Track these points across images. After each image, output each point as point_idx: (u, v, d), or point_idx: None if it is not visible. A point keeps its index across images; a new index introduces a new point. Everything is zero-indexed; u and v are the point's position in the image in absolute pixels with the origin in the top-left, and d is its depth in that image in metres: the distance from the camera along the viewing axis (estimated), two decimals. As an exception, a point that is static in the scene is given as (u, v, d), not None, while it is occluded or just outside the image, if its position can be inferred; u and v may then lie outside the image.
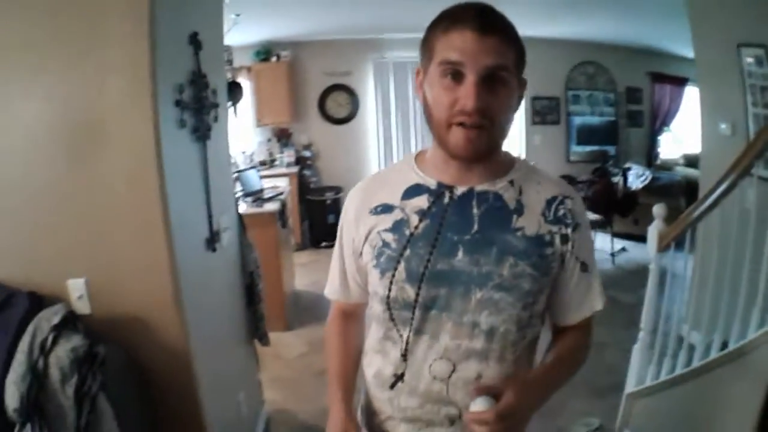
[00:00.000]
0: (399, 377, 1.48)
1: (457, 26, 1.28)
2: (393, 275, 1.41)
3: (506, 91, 1.31)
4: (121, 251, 2.30)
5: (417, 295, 1.40)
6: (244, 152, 8.85)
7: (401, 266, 1.41)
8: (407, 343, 1.45)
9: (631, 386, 3.77)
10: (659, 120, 9.95)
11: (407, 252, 1.41)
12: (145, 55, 2.15)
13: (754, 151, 2.88)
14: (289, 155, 9.00)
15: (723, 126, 4.65)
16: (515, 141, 9.96)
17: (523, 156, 9.57)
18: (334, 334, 1.69)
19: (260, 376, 4.06)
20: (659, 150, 10.15)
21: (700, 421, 3.20)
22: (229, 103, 6.26)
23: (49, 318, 2.08)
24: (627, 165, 8.81)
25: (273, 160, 9.02)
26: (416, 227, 1.41)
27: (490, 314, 1.39)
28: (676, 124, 10.05)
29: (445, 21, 1.31)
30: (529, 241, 1.39)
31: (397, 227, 1.44)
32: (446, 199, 1.42)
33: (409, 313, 1.42)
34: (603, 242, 7.96)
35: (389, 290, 1.43)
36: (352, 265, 1.59)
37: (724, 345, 2.98)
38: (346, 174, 9.25)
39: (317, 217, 8.83)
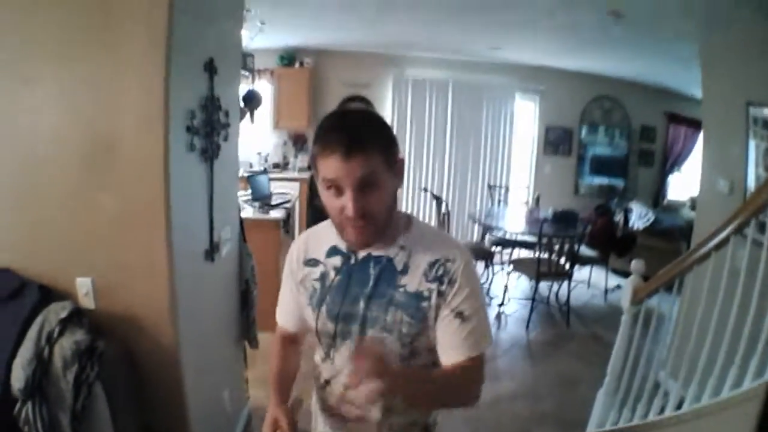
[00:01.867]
0: (327, 382, 1.89)
1: (327, 153, 1.57)
2: (318, 314, 1.83)
3: (379, 191, 1.63)
4: (126, 256, 2.57)
5: (335, 328, 1.81)
6: (259, 153, 9.10)
7: (324, 308, 1.82)
8: (333, 359, 1.85)
9: (592, 426, 3.95)
10: (671, 160, 10.02)
11: (327, 298, 1.82)
12: (161, 83, 2.40)
13: (750, 209, 2.92)
14: (302, 160, 9.20)
15: (721, 182, 4.67)
16: (525, 169, 10.10)
17: (532, 184, 9.86)
18: (275, 354, 2.07)
19: (247, 375, 4.30)
20: (667, 191, 10.23)
21: None
22: (246, 111, 6.54)
23: (57, 312, 2.36)
24: (630, 206, 8.94)
25: (286, 164, 9.26)
26: (333, 280, 1.83)
27: (378, 347, 1.69)
28: (686, 166, 10.07)
29: (320, 146, 1.61)
30: (409, 296, 1.73)
31: (321, 278, 1.86)
32: (352, 261, 1.82)
33: (330, 340, 1.83)
34: (598, 278, 8.10)
35: (316, 324, 1.84)
36: (288, 298, 2.00)
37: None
38: (357, 184, 9.44)
39: (320, 221, 8.90)
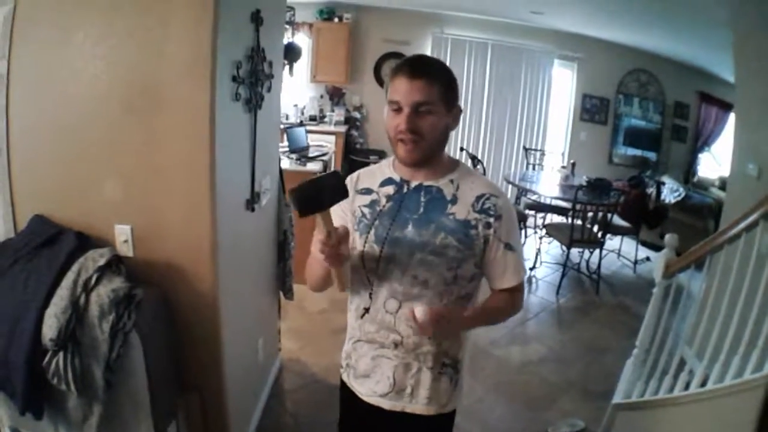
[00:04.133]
0: (366, 310, 2.07)
1: (395, 74, 1.88)
2: (366, 237, 2.01)
3: (431, 118, 1.87)
4: (167, 204, 2.56)
5: (380, 252, 1.99)
6: (296, 106, 9.08)
7: (372, 232, 2.00)
8: (372, 285, 2.04)
9: (618, 397, 3.93)
10: (702, 139, 9.94)
11: (377, 222, 2.01)
12: (208, 33, 2.37)
13: None
14: (339, 114, 9.20)
15: (750, 167, 4.68)
16: (561, 135, 10.06)
17: (567, 151, 9.80)
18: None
19: (280, 325, 4.35)
20: (698, 168, 10.16)
21: None
22: (285, 63, 6.52)
23: (95, 258, 2.33)
24: (663, 179, 8.86)
25: (323, 117, 9.25)
26: (383, 206, 2.02)
27: (425, 270, 1.96)
28: (717, 146, 9.99)
29: (392, 70, 1.91)
30: (458, 223, 1.95)
31: (371, 205, 2.04)
32: (404, 189, 2.02)
33: (374, 264, 2.00)
34: (628, 249, 8.05)
35: (364, 247, 2.01)
36: (345, 214, 2.10)
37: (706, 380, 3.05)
38: (390, 138, 9.45)
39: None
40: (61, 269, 2.29)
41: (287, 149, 6.36)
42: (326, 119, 9.20)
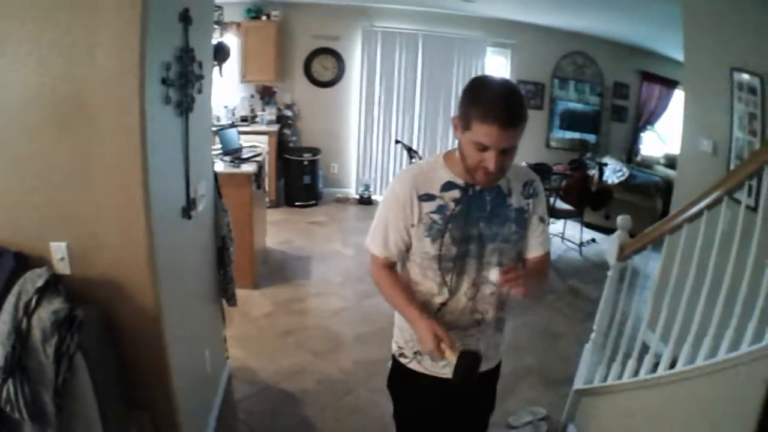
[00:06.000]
0: (443, 304, 2.29)
1: (488, 120, 1.92)
2: (442, 240, 2.19)
3: (513, 153, 2.06)
4: (101, 217, 2.43)
5: (458, 251, 2.21)
6: (226, 107, 8.92)
7: (447, 235, 2.19)
8: (451, 282, 2.26)
9: (579, 383, 3.92)
10: (644, 118, 10.06)
11: (450, 225, 2.18)
12: (137, 34, 2.24)
13: (745, 172, 2.88)
14: (270, 113, 9.10)
15: (704, 143, 4.72)
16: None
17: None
18: (389, 277, 2.33)
19: (225, 334, 4.24)
20: (640, 147, 10.27)
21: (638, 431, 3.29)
22: (215, 64, 6.37)
23: (33, 280, 2.19)
24: (604, 160, 8.91)
25: (254, 117, 9.11)
26: (453, 210, 2.19)
27: (499, 256, 2.26)
28: (660, 123, 10.12)
29: (482, 111, 1.94)
30: (516, 212, 2.27)
31: (440, 210, 2.19)
32: (471, 192, 2.20)
33: (451, 263, 2.23)
34: (573, 232, 8.12)
35: (440, 250, 2.21)
36: (400, 233, 2.25)
37: (674, 362, 3.02)
38: (325, 137, 9.44)
39: (293, 176, 8.98)
40: (1, 293, 2.17)
41: (220, 152, 6.25)
42: (258, 119, 9.07)
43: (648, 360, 3.26)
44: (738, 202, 2.96)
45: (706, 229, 3.07)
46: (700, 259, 3.07)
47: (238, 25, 8.68)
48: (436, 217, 2.19)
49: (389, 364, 2.59)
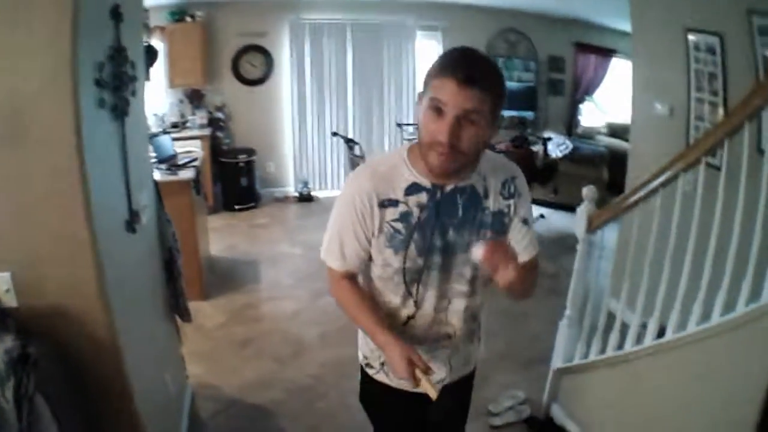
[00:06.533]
0: (411, 317, 2.10)
1: (446, 74, 1.68)
2: (406, 252, 1.95)
3: (475, 129, 1.72)
4: (43, 241, 2.18)
5: (424, 262, 1.98)
6: (156, 114, 8.58)
7: (412, 246, 1.95)
8: (417, 294, 2.04)
9: (558, 362, 3.84)
10: (581, 89, 10.10)
11: (415, 235, 1.93)
12: (67, 35, 2.00)
13: (722, 131, 2.73)
14: (201, 117, 8.82)
15: (659, 106, 4.72)
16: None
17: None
18: (350, 291, 2.10)
19: (182, 351, 4.00)
20: (580, 119, 10.30)
21: (630, 405, 3.22)
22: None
23: None
24: (547, 134, 8.89)
25: (185, 122, 8.80)
26: (419, 217, 1.92)
27: (470, 267, 2.02)
28: (599, 93, 10.19)
29: (440, 66, 1.73)
30: (493, 216, 2.00)
31: (403, 218, 1.93)
32: (438, 195, 1.92)
33: (417, 275, 2.00)
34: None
35: (404, 262, 1.97)
36: (359, 243, 2.00)
37: (662, 330, 2.96)
38: (260, 136, 9.22)
39: (230, 179, 8.77)
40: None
41: (155, 160, 5.92)
42: (189, 124, 8.76)
43: (632, 331, 3.17)
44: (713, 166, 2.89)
45: (675, 194, 2.99)
46: (680, 225, 2.97)
47: (163, 29, 8.35)
48: (399, 226, 1.94)
49: (359, 376, 2.40)
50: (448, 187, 1.92)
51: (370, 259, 2.06)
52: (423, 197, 1.92)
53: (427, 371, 1.84)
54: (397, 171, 1.94)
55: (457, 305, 2.10)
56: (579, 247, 3.64)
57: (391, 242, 1.95)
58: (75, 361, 2.28)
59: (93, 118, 2.26)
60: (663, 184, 3.06)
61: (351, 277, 2.13)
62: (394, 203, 1.92)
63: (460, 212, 1.95)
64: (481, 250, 1.78)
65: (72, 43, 2.01)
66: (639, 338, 3.12)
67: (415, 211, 1.92)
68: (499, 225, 2.02)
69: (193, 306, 4.22)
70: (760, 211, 2.51)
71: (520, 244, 2.04)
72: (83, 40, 2.07)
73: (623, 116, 9.96)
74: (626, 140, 8.69)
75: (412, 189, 1.92)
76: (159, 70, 8.16)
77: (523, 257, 1.99)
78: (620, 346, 3.25)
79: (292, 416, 3.98)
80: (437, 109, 1.69)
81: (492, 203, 1.99)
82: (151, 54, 6.53)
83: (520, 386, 4.23)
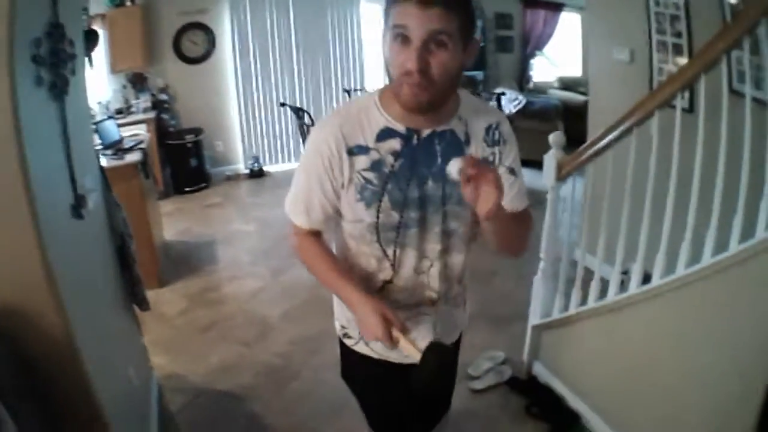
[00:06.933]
0: (388, 282, 1.92)
1: None
2: (379, 206, 1.77)
3: (447, 54, 1.55)
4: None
5: (400, 218, 1.80)
6: (100, 102, 8.25)
7: (385, 198, 1.76)
8: (394, 255, 1.87)
9: (535, 318, 3.76)
10: (531, 45, 10.12)
11: (388, 186, 1.75)
12: (5, 7, 1.83)
13: (698, 65, 2.64)
14: (145, 101, 8.53)
15: (620, 52, 4.67)
16: (380, 69, 9.78)
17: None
18: (314, 247, 1.94)
19: (144, 342, 3.84)
20: (531, 74, 10.34)
21: (618, 356, 3.16)
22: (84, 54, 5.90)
23: None
24: (500, 90, 8.82)
25: (129, 108, 8.50)
26: (393, 166, 1.75)
27: (454, 221, 1.86)
28: (550, 48, 10.20)
29: None
30: None
31: (375, 167, 1.75)
32: (414, 141, 1.75)
33: (393, 233, 1.83)
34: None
35: (377, 217, 1.79)
36: (326, 196, 1.82)
37: (647, 277, 2.88)
38: (206, 115, 8.99)
39: (179, 162, 8.56)
40: None
41: (101, 147, 5.70)
42: (133, 108, 8.47)
43: (614, 279, 3.09)
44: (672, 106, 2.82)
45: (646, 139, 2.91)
46: (657, 170, 2.89)
47: (104, 16, 8.03)
48: (370, 176, 1.75)
49: (338, 349, 2.23)
50: (425, 132, 1.75)
51: (339, 215, 1.88)
52: (396, 144, 1.75)
53: (404, 330, 1.69)
54: (368, 115, 1.76)
55: (440, 267, 1.93)
56: (549, 196, 3.54)
57: (362, 195, 1.77)
58: (32, 363, 2.11)
59: (31, 96, 2.08)
60: (637, 124, 2.97)
61: (316, 235, 1.96)
62: (365, 150, 1.74)
63: (439, 160, 1.76)
64: (458, 164, 1.52)
65: (9, 18, 1.85)
66: (623, 285, 3.08)
67: (388, 160, 1.75)
68: None
69: (152, 294, 4.09)
70: (722, 148, 2.50)
71: (507, 195, 1.79)
72: (20, 14, 1.91)
73: (575, 70, 10.01)
74: (580, 93, 8.84)
75: (385, 134, 1.75)
76: (101, 57, 7.91)
77: (512, 210, 1.85)
78: (602, 295, 3.19)
79: (264, 400, 3.84)
80: (402, 38, 1.54)
81: (474, 150, 1.80)
82: (91, 37, 6.33)
83: (498, 346, 4.16)
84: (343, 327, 2.12)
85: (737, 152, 2.46)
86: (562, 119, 8.10)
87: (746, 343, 2.38)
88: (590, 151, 3.26)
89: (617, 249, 3.11)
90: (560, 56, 10.31)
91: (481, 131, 1.82)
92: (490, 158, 1.82)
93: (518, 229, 1.89)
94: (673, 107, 2.80)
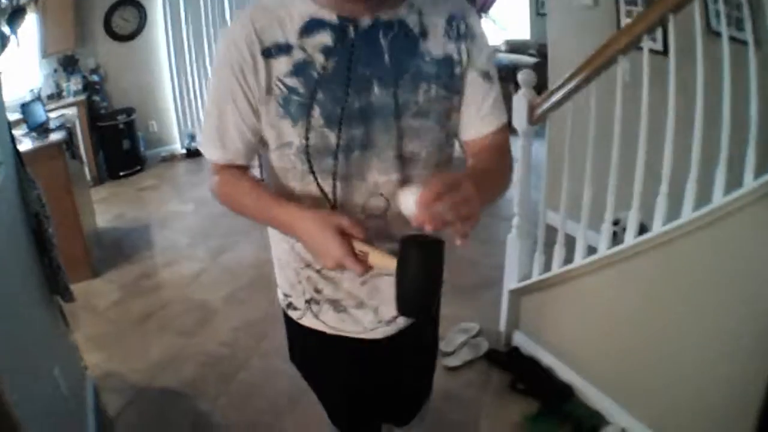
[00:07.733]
0: None
1: None
2: (308, 122, 1.35)
3: None
4: None
5: (338, 138, 1.37)
6: (32, 90, 7.81)
7: (316, 111, 1.35)
8: (334, 192, 1.43)
9: (512, 282, 3.49)
10: (476, 7, 9.89)
11: (319, 95, 1.34)
12: None
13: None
14: (75, 83, 8.15)
15: None
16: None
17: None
18: (234, 179, 1.49)
19: (74, 339, 3.49)
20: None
21: (610, 316, 2.92)
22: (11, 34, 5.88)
23: None
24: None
25: (60, 92, 8.15)
26: (324, 67, 1.34)
27: (413, 141, 1.43)
28: (495, 11, 10.06)
29: None
30: (438, 64, 1.40)
31: (300, 70, 1.34)
32: (351, 34, 1.34)
33: (331, 159, 1.39)
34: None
35: (307, 138, 1.37)
36: (242, 116, 1.40)
37: (643, 228, 2.66)
38: (139, 94, 8.67)
39: (112, 144, 8.21)
40: None
41: (26, 130, 5.48)
42: (65, 92, 8.12)
43: (605, 232, 2.84)
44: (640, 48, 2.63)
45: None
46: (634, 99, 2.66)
47: (36, 2, 7.62)
48: (294, 82, 1.34)
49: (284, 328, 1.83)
50: (364, 22, 1.35)
51: (264, 144, 1.48)
52: (327, 38, 1.34)
53: (370, 241, 1.28)
54: (289, 3, 1.35)
55: (401, 206, 1.32)
56: (520, 142, 3.22)
57: (285, 108, 1.36)
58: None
59: None
60: (604, 66, 2.78)
61: (239, 168, 1.52)
62: (285, 49, 1.33)
63: (387, 58, 1.36)
64: (413, 197, 1.14)
65: None
66: (615, 237, 2.87)
67: (318, 59, 1.33)
68: (448, 77, 1.42)
69: (84, 286, 3.77)
70: (699, 92, 2.33)
71: (481, 108, 1.49)
72: None
73: (522, 32, 10.11)
74: (530, 55, 8.98)
75: (311, 26, 1.33)
76: (35, 42, 7.67)
77: (486, 127, 1.52)
78: (588, 252, 2.95)
79: (211, 395, 3.53)
80: None
81: (434, 46, 1.40)
82: (18, 13, 6.15)
83: (469, 317, 3.90)
84: (286, 295, 1.70)
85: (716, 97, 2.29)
86: (514, 82, 7.96)
87: (744, 298, 2.23)
88: (569, 86, 2.93)
89: (607, 196, 2.86)
90: (507, 19, 10.23)
91: (440, 22, 1.42)
92: (455, 56, 1.43)
93: (493, 176, 1.49)
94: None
